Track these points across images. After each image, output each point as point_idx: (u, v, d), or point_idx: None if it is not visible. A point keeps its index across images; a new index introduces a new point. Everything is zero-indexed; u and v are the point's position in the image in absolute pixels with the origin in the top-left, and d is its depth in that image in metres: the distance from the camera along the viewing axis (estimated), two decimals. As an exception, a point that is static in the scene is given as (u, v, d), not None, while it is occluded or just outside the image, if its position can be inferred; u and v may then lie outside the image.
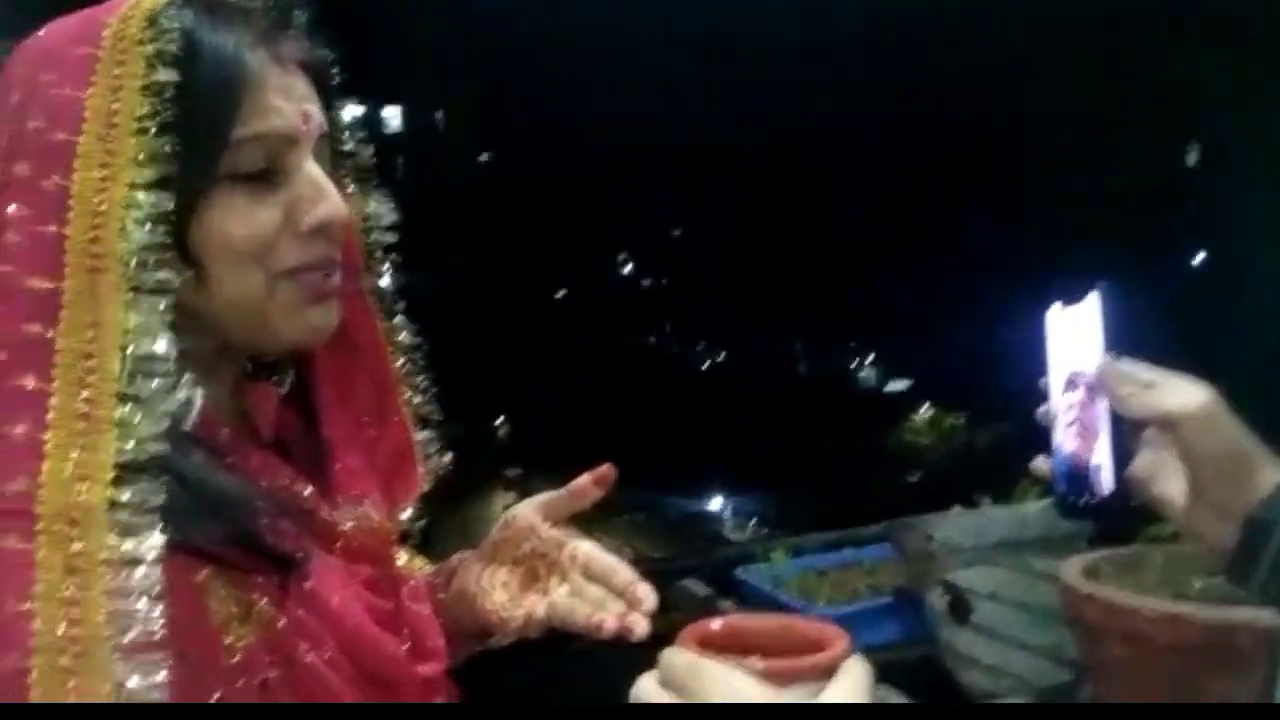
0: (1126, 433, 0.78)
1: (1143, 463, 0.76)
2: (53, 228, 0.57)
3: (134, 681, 0.51)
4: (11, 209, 0.58)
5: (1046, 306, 0.79)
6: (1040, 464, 0.85)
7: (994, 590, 1.15)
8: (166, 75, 0.56)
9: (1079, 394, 0.81)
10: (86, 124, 0.58)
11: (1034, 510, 1.21)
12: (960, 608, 1.17)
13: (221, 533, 0.60)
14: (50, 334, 0.56)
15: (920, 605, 1.21)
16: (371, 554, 0.67)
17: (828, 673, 0.61)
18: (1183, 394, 0.75)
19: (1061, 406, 0.82)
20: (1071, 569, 0.98)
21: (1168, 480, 0.75)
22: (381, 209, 0.68)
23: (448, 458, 0.71)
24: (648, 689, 0.60)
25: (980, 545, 1.19)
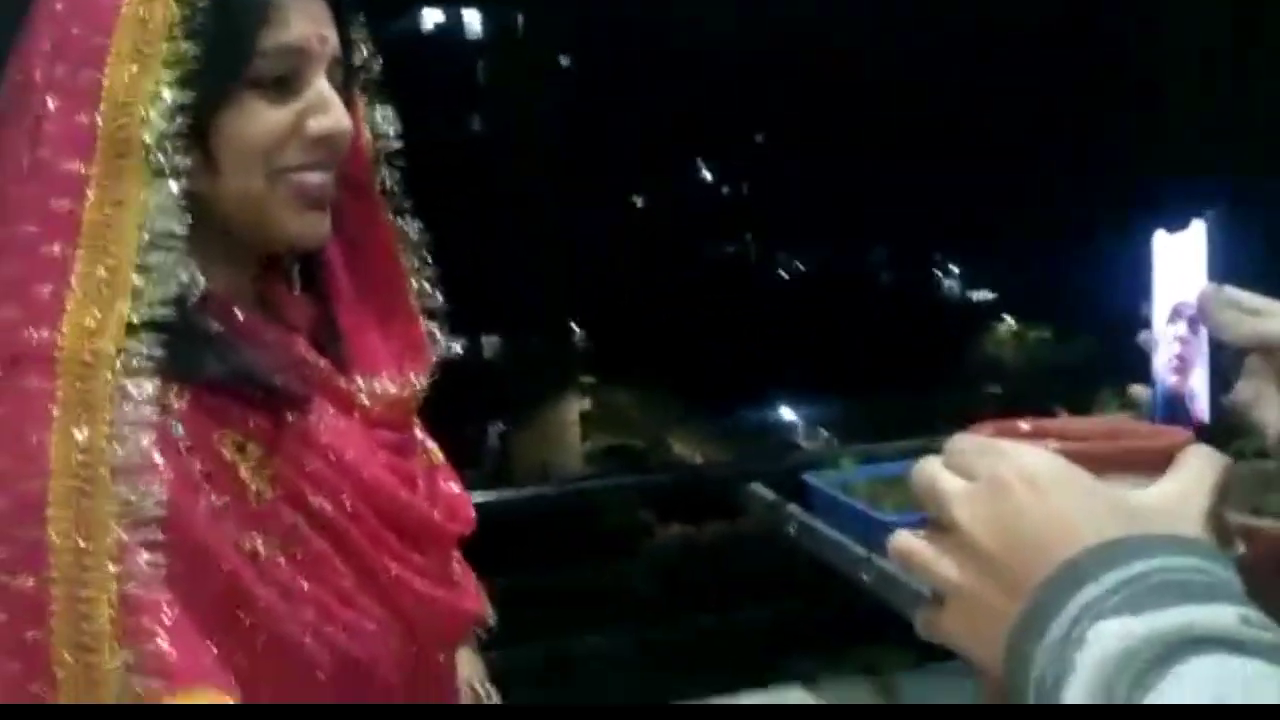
0: (1227, 362, 0.77)
1: (1244, 389, 0.74)
2: (85, 118, 0.58)
3: (131, 496, 0.53)
4: (52, 103, 0.59)
5: (1143, 228, 0.76)
6: (1138, 391, 0.84)
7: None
8: None
9: (1182, 326, 0.79)
10: (121, 27, 0.59)
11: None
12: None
13: (227, 374, 0.61)
14: (78, 210, 0.57)
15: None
16: (389, 421, 0.71)
17: (1162, 462, 0.45)
18: None
19: (1165, 336, 0.80)
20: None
21: (1267, 407, 0.73)
22: (389, 117, 0.72)
23: (455, 346, 0.75)
24: (931, 469, 0.48)
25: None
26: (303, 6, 0.63)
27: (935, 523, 0.48)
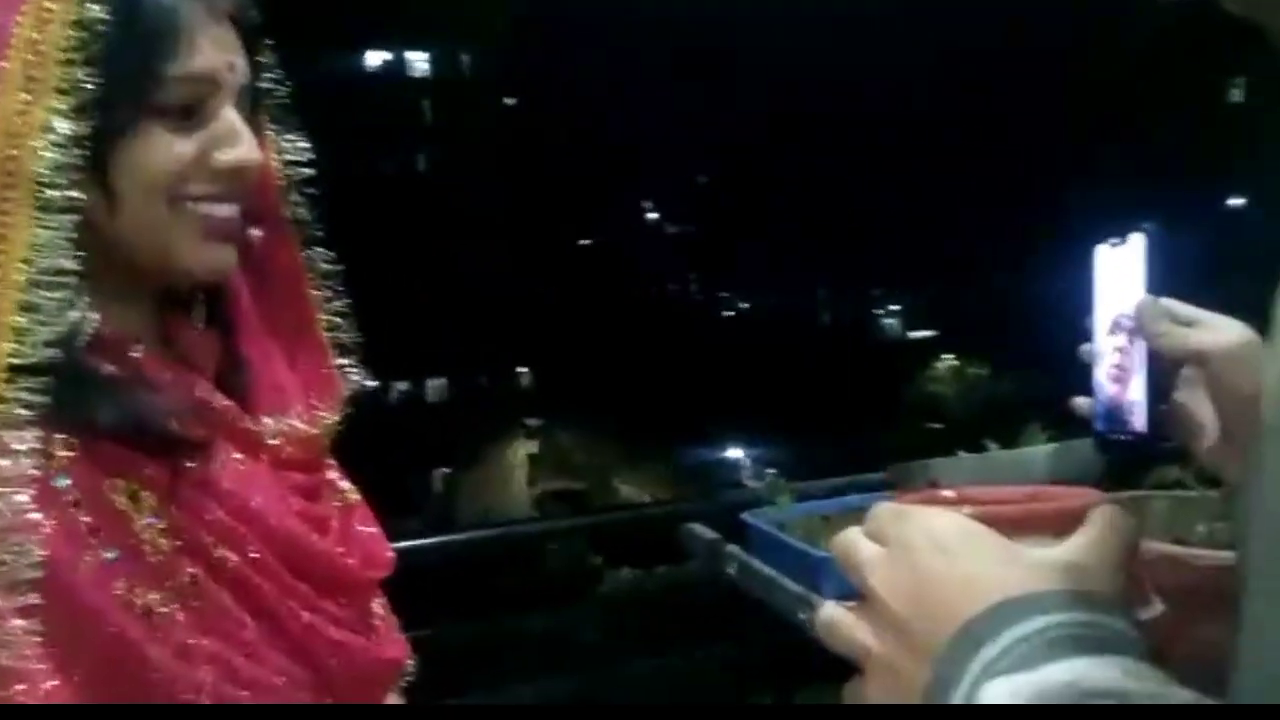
0: (1164, 372, 0.78)
1: (1178, 399, 0.75)
2: None
3: (5, 556, 0.50)
4: None
5: (1081, 250, 0.78)
6: (1080, 403, 0.85)
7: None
8: (96, 11, 0.57)
9: (1122, 338, 0.81)
10: (13, 50, 0.55)
11: (1040, 454, 1.21)
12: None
13: (119, 421, 0.58)
14: None
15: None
16: (299, 463, 0.68)
17: (1073, 522, 0.45)
18: (1218, 332, 0.74)
19: (1105, 348, 0.82)
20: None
21: (1201, 416, 0.74)
22: (298, 144, 0.69)
23: (367, 380, 0.72)
24: (849, 536, 0.48)
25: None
26: (211, 32, 0.60)
27: (858, 591, 0.48)
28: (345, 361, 0.72)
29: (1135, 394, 0.76)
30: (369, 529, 0.71)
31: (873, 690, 0.44)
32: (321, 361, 0.71)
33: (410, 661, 0.73)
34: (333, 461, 0.71)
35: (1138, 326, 0.75)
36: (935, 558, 0.43)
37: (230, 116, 0.61)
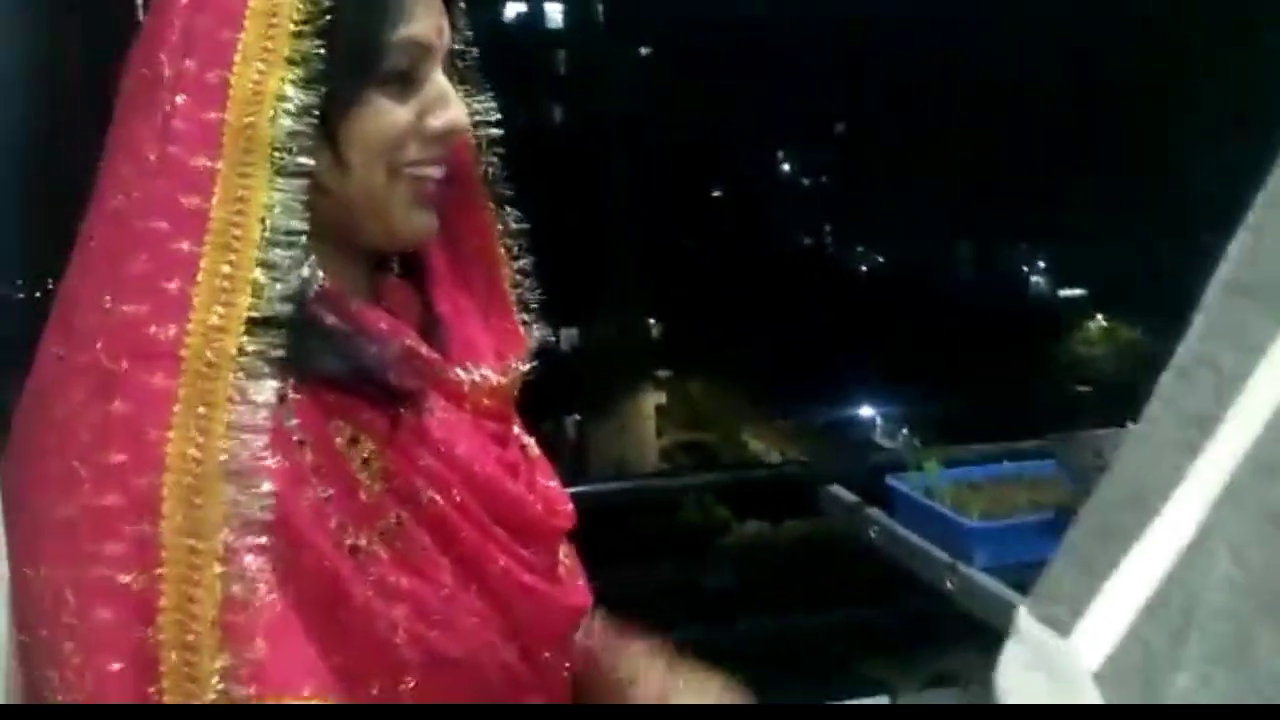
0: None
1: None
2: (214, 114, 0.58)
3: (241, 497, 0.53)
4: (180, 99, 0.59)
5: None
6: None
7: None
8: None
9: None
10: (248, 23, 0.59)
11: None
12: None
13: (343, 370, 0.62)
14: (206, 206, 0.58)
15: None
16: (494, 412, 0.71)
17: None
18: None
19: None
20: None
21: None
22: (488, 104, 0.72)
23: (549, 334, 0.75)
24: None
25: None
26: (425, 1, 0.63)
27: None
28: (528, 317, 0.75)
29: None
30: (550, 481, 0.73)
31: None
32: (509, 317, 0.74)
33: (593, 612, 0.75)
34: (516, 417, 0.73)
35: None
36: None
37: (441, 81, 0.63)
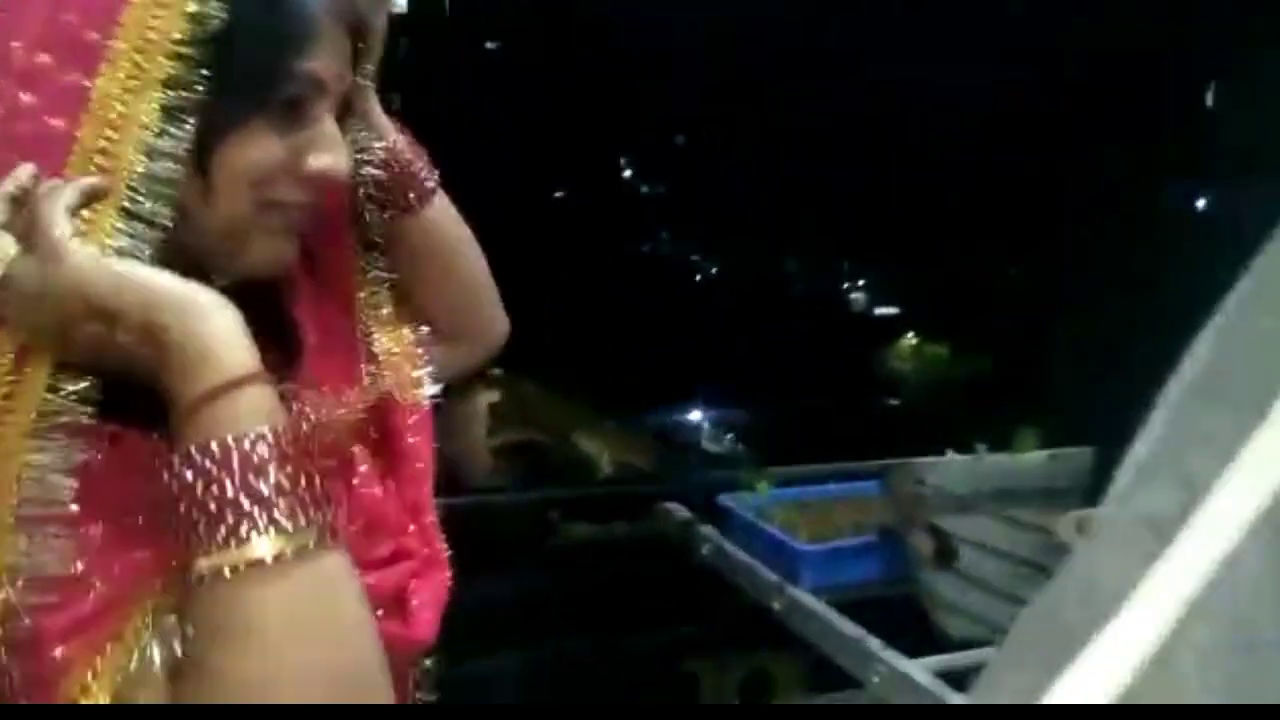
0: None
1: None
2: (62, 124, 0.53)
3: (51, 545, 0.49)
4: (26, 97, 0.54)
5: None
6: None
7: (982, 539, 1.13)
8: (215, 7, 0.54)
9: None
10: (122, 30, 0.54)
11: (1032, 461, 1.19)
12: (945, 553, 1.16)
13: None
14: None
15: (903, 547, 1.20)
16: (327, 449, 0.69)
17: None
18: None
19: None
20: (1065, 525, 0.96)
21: None
22: (375, 144, 0.70)
23: (391, 386, 0.74)
24: None
25: (974, 493, 1.16)
26: (330, 36, 0.60)
27: None
28: (377, 370, 0.72)
29: None
30: (373, 490, 0.72)
31: None
32: (356, 362, 0.71)
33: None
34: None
35: None
36: None
37: (329, 123, 0.60)
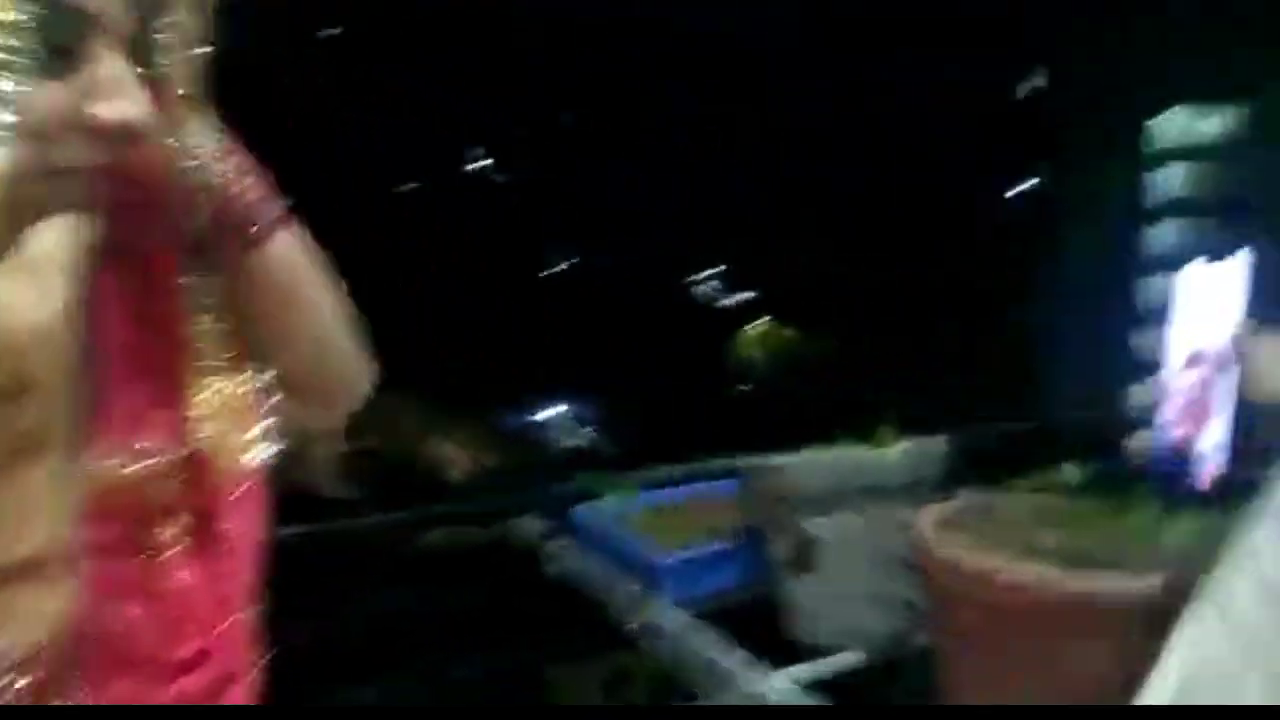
0: (1258, 415, 0.67)
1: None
2: None
3: None
4: None
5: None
6: (1139, 442, 0.72)
7: (847, 538, 1.10)
8: None
9: (1198, 372, 0.69)
10: None
11: (897, 454, 1.16)
12: (804, 557, 1.12)
13: None
14: None
15: (764, 549, 1.16)
16: (116, 509, 0.58)
17: None
18: None
19: (1179, 383, 0.70)
20: (926, 518, 0.94)
21: None
22: (212, 136, 0.57)
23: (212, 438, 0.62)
24: None
25: (839, 490, 1.12)
26: None
27: None
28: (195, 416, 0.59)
29: (1212, 436, 0.67)
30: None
31: None
32: (176, 406, 0.58)
33: None
34: None
35: (1233, 361, 0.65)
36: None
37: (115, 63, 0.50)
